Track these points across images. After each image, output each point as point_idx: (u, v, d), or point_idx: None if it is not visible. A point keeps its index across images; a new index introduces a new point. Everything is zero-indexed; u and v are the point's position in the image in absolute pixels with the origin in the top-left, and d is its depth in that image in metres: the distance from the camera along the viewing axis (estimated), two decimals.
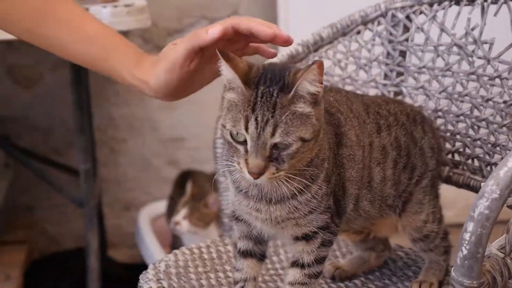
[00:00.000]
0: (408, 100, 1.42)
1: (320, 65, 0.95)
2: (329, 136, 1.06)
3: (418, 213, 1.22)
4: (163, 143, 2.69)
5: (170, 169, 2.68)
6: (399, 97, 1.43)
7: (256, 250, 1.13)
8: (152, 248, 2.26)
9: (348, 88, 1.45)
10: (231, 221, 1.20)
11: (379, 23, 1.46)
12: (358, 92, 1.42)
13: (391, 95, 1.45)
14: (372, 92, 1.47)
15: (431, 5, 1.39)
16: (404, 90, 1.43)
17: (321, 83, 0.96)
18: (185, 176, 2.45)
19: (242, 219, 1.11)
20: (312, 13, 2.31)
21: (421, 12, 1.40)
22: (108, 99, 2.60)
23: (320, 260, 1.09)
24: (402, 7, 1.42)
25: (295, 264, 1.09)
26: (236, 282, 1.12)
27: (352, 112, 1.14)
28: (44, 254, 2.61)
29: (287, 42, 1.05)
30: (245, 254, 1.13)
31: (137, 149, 2.68)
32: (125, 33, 2.47)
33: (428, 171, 1.23)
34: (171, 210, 2.36)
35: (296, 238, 1.08)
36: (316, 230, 1.06)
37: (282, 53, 1.47)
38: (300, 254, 1.08)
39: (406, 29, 1.42)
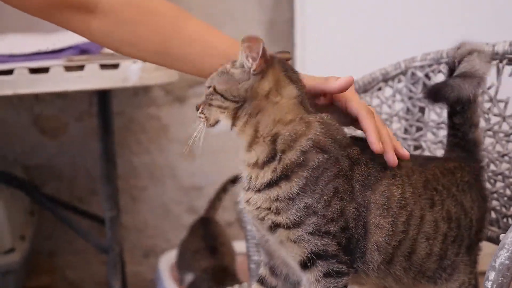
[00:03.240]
0: (427, 153, 1.48)
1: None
2: (346, 169, 1.07)
3: (453, 281, 1.18)
4: (183, 191, 2.75)
5: (190, 217, 2.73)
6: (418, 151, 1.50)
7: (269, 282, 1.17)
8: None
9: None
10: (257, 266, 1.26)
11: (399, 81, 1.53)
12: None
13: (411, 149, 1.51)
14: None
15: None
16: (423, 144, 1.50)
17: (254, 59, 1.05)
18: (201, 223, 2.46)
19: (263, 246, 1.16)
20: (329, 39, 2.34)
21: (439, 71, 1.46)
22: (129, 148, 2.68)
23: None
24: (421, 66, 1.49)
25: None
26: None
27: (410, 179, 1.13)
28: None
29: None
30: (259, 281, 1.18)
31: (157, 197, 2.74)
32: (149, 85, 2.57)
33: (472, 241, 1.21)
34: (183, 260, 2.39)
35: (301, 267, 1.07)
36: (310, 255, 1.06)
37: None
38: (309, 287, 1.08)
39: (425, 86, 1.48)
